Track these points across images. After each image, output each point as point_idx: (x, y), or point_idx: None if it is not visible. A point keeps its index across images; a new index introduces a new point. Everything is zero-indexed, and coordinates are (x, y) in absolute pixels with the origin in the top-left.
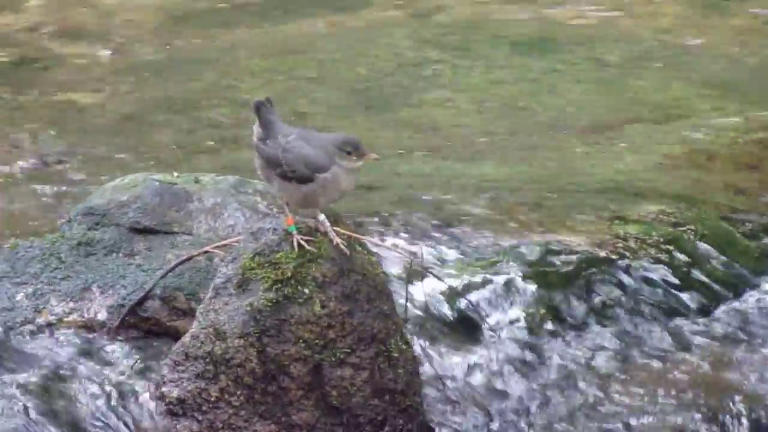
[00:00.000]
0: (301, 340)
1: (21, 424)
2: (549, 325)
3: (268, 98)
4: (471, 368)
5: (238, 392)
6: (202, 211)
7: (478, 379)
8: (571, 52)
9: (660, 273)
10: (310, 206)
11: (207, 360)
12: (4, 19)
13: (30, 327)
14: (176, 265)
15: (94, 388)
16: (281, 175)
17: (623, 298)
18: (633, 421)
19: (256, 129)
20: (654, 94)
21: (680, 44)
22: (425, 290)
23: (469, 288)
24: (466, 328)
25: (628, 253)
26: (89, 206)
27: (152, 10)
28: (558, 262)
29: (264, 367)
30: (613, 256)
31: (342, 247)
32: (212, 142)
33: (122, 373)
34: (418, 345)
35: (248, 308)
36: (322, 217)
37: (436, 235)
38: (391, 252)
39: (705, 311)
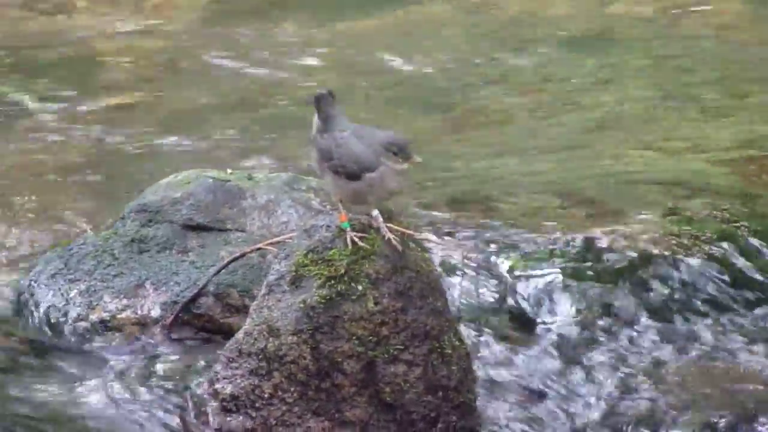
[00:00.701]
0: (354, 337)
1: (76, 419)
2: (601, 322)
3: (330, 91)
4: (524, 364)
5: (292, 389)
6: (256, 208)
7: (530, 375)
8: (626, 48)
9: (713, 270)
10: (361, 203)
11: (260, 357)
12: (55, 18)
13: (83, 324)
14: (229, 262)
15: (147, 385)
16: (332, 169)
17: (676, 295)
18: (686, 417)
19: (316, 121)
20: (709, 90)
21: (738, 40)
22: (478, 287)
23: (522, 284)
24: (519, 325)
25: (681, 250)
26: (142, 203)
27: (204, 5)
28: (610, 259)
29: (317, 364)
30: (666, 253)
31: (395, 243)
32: (266, 140)
33: (175, 370)
34: (471, 342)
35: (301, 305)
36: (375, 212)
37: (489, 231)
38: (445, 249)
39: (758, 308)
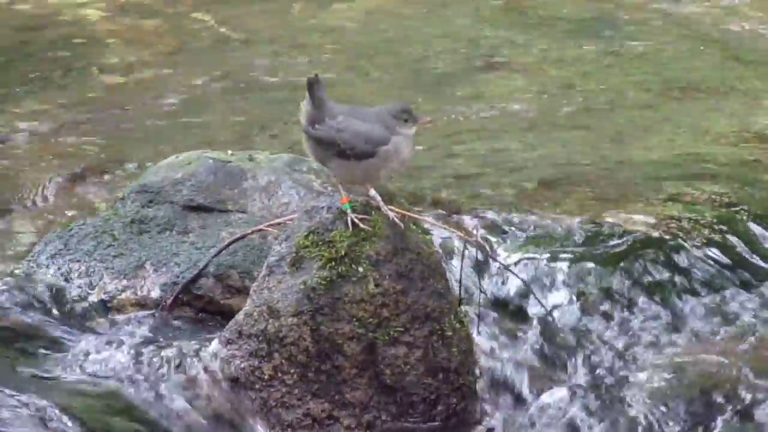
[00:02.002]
0: (354, 319)
1: (76, 398)
2: (602, 305)
3: (318, 75)
4: (524, 348)
5: (292, 370)
6: (257, 189)
7: (531, 358)
8: (626, 32)
9: (713, 253)
10: (371, 181)
11: (260, 338)
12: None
13: (83, 304)
14: (230, 243)
15: (148, 366)
16: (339, 154)
17: (677, 279)
18: (685, 402)
19: (306, 107)
20: (710, 74)
21: (739, 27)
22: (479, 269)
23: (523, 267)
24: (520, 307)
25: (681, 234)
26: (143, 183)
27: None
28: (612, 242)
29: (318, 346)
30: (667, 237)
31: (396, 220)
32: (267, 121)
33: (175, 351)
34: (472, 324)
35: (302, 286)
36: (372, 192)
37: (491, 214)
38: (446, 231)
39: (758, 291)
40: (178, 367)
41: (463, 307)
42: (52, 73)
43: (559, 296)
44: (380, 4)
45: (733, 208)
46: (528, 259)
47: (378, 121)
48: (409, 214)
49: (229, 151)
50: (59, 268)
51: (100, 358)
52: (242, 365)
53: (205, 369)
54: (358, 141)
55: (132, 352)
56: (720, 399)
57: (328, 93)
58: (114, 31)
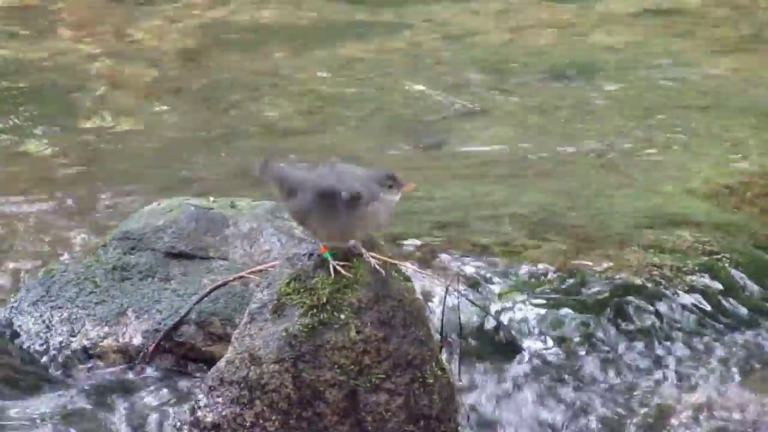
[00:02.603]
0: (336, 366)
1: None
2: (583, 352)
3: (264, 159)
4: (506, 394)
5: (274, 417)
6: (238, 236)
7: (512, 404)
8: (607, 78)
9: (695, 301)
10: (346, 237)
11: (242, 385)
12: (39, 45)
13: (65, 351)
14: (212, 290)
15: (129, 413)
16: (324, 196)
17: (658, 326)
18: None
19: (274, 189)
20: (690, 122)
21: (721, 74)
22: (461, 316)
23: (504, 314)
24: (501, 354)
25: (663, 281)
26: (125, 230)
27: (191, 34)
28: (593, 289)
29: (299, 393)
30: (649, 284)
31: (377, 267)
32: (248, 167)
33: (157, 398)
34: (453, 371)
35: (284, 333)
36: (352, 241)
37: (472, 260)
38: (427, 278)
39: (739, 339)
40: (160, 415)
41: (445, 354)
42: (35, 117)
43: (541, 342)
44: (360, 53)
45: (714, 256)
46: (510, 305)
47: (359, 181)
48: (390, 260)
49: (211, 198)
50: (41, 315)
51: (82, 407)
52: (224, 412)
53: (187, 416)
54: (354, 181)
55: (114, 400)
56: None
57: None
58: (98, 76)
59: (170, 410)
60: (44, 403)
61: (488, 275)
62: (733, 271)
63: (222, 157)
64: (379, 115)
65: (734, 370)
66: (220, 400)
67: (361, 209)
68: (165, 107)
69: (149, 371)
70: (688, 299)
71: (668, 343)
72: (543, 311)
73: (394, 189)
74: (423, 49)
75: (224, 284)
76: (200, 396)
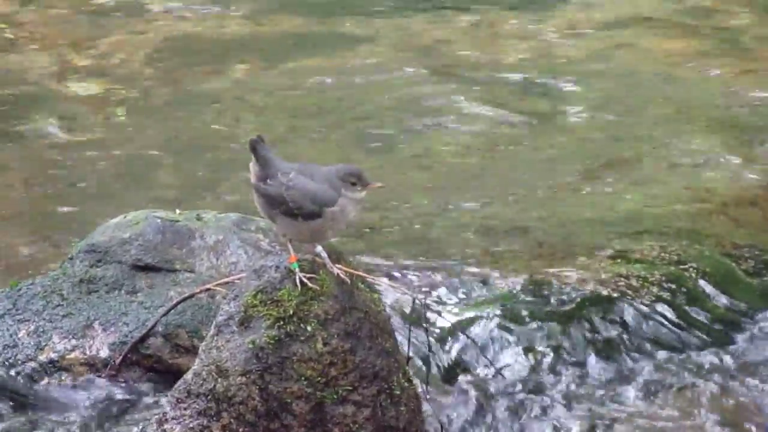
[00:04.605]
0: (303, 378)
1: None
2: (550, 362)
3: (260, 136)
4: (473, 405)
5: (241, 429)
6: (205, 249)
7: (478, 416)
8: (577, 89)
9: (661, 311)
10: (317, 240)
11: (209, 397)
12: (4, 59)
13: (32, 364)
14: (178, 303)
15: (96, 426)
16: (286, 213)
17: (625, 336)
18: None
19: (253, 167)
20: (658, 131)
21: (682, 77)
22: (427, 328)
23: (470, 325)
24: (467, 366)
25: (630, 291)
26: (91, 243)
27: (155, 48)
28: (560, 300)
29: (266, 405)
30: (615, 295)
31: (342, 276)
32: (214, 180)
33: (124, 411)
34: (419, 383)
35: (250, 345)
36: (319, 249)
37: (438, 272)
38: (393, 290)
39: (705, 349)
40: (126, 427)
41: (411, 366)
42: None
43: (508, 354)
44: (327, 64)
45: (681, 266)
46: (476, 317)
47: (326, 182)
48: (356, 272)
49: (177, 211)
50: (8, 329)
51: (49, 420)
52: (191, 424)
53: (154, 428)
54: (305, 201)
55: (81, 412)
56: None
57: (275, 152)
58: (61, 89)
59: (138, 423)
60: (10, 417)
61: (455, 287)
62: (700, 281)
63: (186, 170)
64: (343, 126)
65: (702, 381)
66: (187, 412)
67: (317, 220)
68: (129, 120)
69: (116, 384)
70: (654, 309)
71: (636, 354)
72: (509, 323)
73: (358, 186)
74: (391, 60)
75: (191, 296)
76: (167, 408)
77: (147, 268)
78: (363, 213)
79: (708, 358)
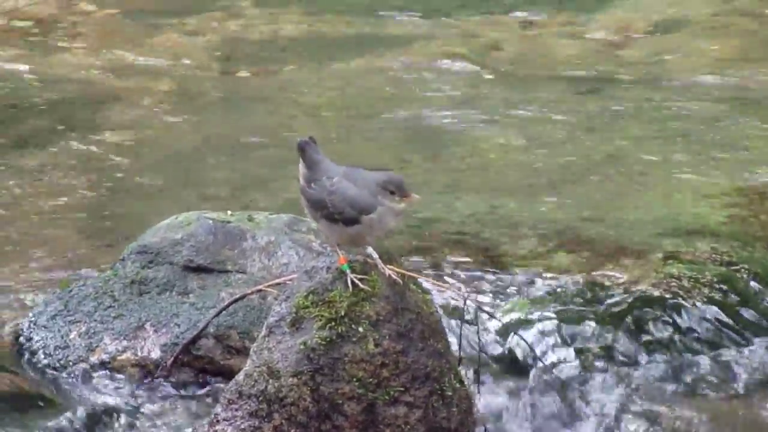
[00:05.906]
0: (354, 379)
1: None
2: (601, 365)
3: (312, 137)
4: (524, 407)
5: (292, 431)
6: (256, 250)
7: (530, 417)
8: (627, 90)
9: (713, 312)
10: (358, 245)
11: (260, 398)
12: (55, 60)
13: (83, 365)
14: (230, 304)
15: (148, 428)
16: (327, 217)
17: (676, 337)
18: None
19: (301, 169)
20: (707, 131)
21: (742, 78)
22: (479, 328)
23: (522, 326)
24: (519, 366)
25: (681, 293)
26: (143, 244)
27: (207, 48)
28: (611, 301)
29: (318, 406)
30: (667, 296)
31: (394, 277)
32: (267, 181)
33: (175, 412)
34: (471, 383)
35: (302, 347)
36: (370, 249)
37: (490, 273)
38: (445, 290)
39: (757, 351)
40: (178, 428)
41: (463, 366)
42: (51, 131)
43: (559, 354)
44: (380, 63)
45: (732, 267)
46: (528, 317)
47: (367, 188)
48: (408, 273)
49: (229, 212)
50: (59, 330)
51: (100, 421)
52: (242, 426)
53: (206, 429)
54: (345, 206)
55: (132, 414)
56: None
57: (326, 152)
58: (115, 91)
59: (189, 424)
60: (62, 419)
61: (506, 287)
62: (752, 282)
63: (239, 169)
64: (394, 125)
65: (754, 381)
66: (238, 413)
67: (355, 226)
68: (182, 119)
69: (168, 385)
70: (706, 311)
71: (688, 355)
72: (561, 323)
73: (396, 196)
74: (441, 60)
75: (242, 297)
76: (219, 410)
77: (198, 269)
78: (414, 213)
79: (760, 358)
